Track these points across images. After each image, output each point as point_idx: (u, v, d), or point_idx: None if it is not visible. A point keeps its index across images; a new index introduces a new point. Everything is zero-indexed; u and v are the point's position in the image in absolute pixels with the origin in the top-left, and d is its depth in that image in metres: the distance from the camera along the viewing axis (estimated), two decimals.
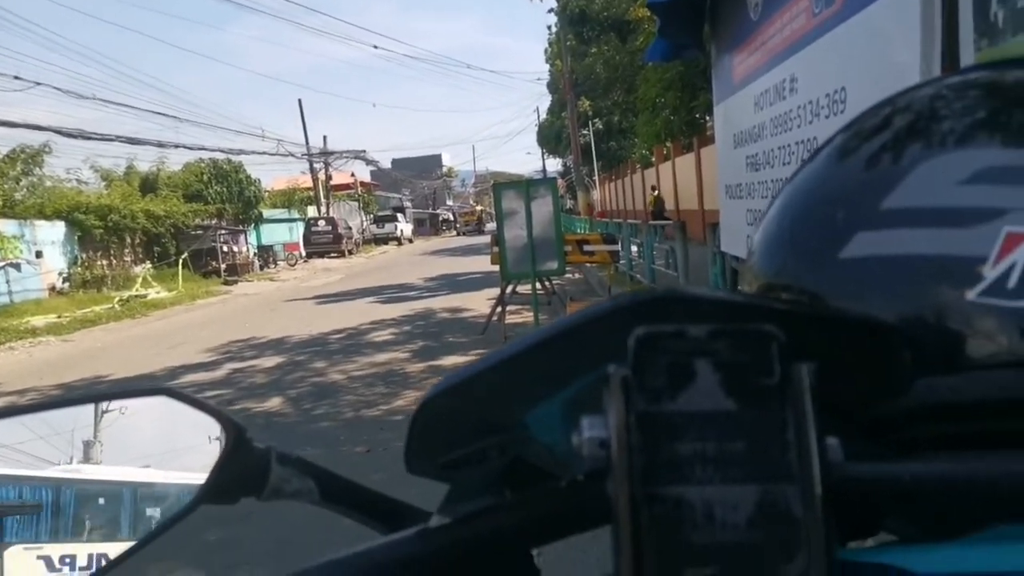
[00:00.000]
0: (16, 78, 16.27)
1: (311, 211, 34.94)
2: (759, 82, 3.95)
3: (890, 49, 2.54)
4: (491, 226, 51.74)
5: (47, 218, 17.68)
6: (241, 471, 0.47)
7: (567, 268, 9.02)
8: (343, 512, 0.50)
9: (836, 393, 0.31)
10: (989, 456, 0.33)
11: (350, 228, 34.55)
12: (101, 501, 0.53)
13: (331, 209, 36.65)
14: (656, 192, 22.27)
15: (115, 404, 0.55)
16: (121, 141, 20.14)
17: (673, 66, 9.25)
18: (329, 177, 37.91)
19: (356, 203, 43.20)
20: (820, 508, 0.28)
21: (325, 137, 37.68)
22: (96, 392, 0.73)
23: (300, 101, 35.29)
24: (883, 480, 0.32)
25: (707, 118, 12.42)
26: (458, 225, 58.04)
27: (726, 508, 0.29)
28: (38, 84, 17.08)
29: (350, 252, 32.39)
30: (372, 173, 53.94)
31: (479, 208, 66.77)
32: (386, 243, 40.55)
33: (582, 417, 0.31)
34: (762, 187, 3.99)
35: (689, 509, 0.29)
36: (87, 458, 0.53)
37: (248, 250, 24.79)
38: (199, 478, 0.48)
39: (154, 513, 0.52)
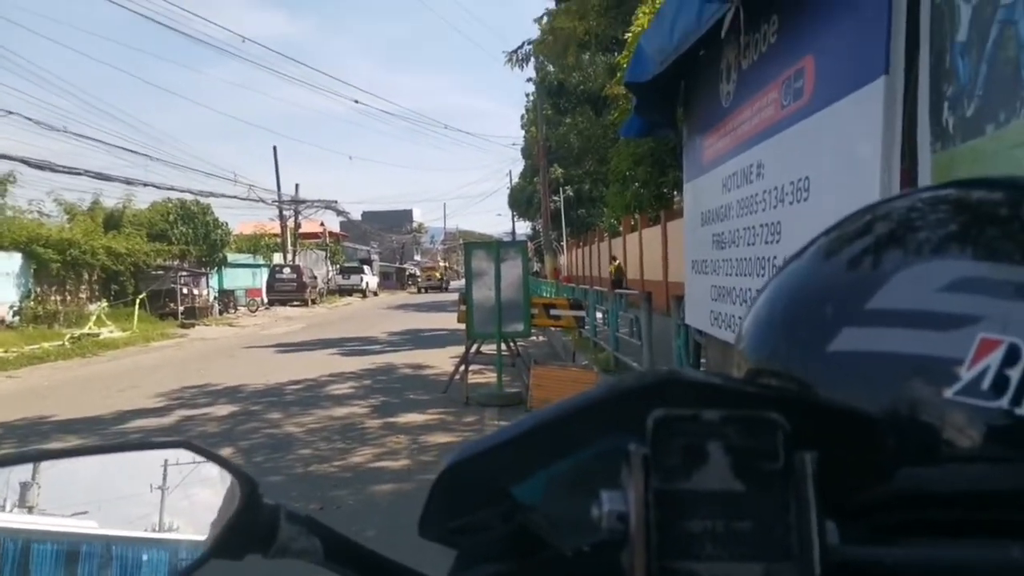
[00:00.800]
0: None
1: (277, 258, 34.63)
2: (727, 165, 4.09)
3: (853, 144, 2.67)
4: (456, 284, 51.22)
5: (3, 248, 17.23)
6: (251, 527, 0.48)
7: (532, 331, 9.04)
8: (346, 573, 0.50)
9: (828, 478, 0.33)
10: (966, 543, 0.35)
11: (315, 277, 34.27)
12: (91, 554, 0.52)
13: (298, 257, 36.40)
14: (616, 262, 22.79)
15: (136, 454, 0.56)
16: (89, 176, 19.90)
17: (645, 142, 9.57)
18: (298, 225, 37.79)
19: (323, 252, 42.98)
20: None
21: (297, 185, 37.74)
22: (120, 442, 0.75)
23: (275, 148, 35.43)
24: (874, 563, 0.34)
25: (675, 193, 12.79)
26: (419, 280, 53.97)
27: None
28: (9, 113, 16.90)
29: (313, 302, 32.04)
30: (342, 224, 53.91)
31: (443, 264, 64.28)
32: (351, 294, 40.20)
33: (601, 490, 0.33)
34: (727, 264, 4.10)
35: None
36: (102, 506, 0.53)
37: (209, 293, 24.34)
38: (209, 531, 0.48)
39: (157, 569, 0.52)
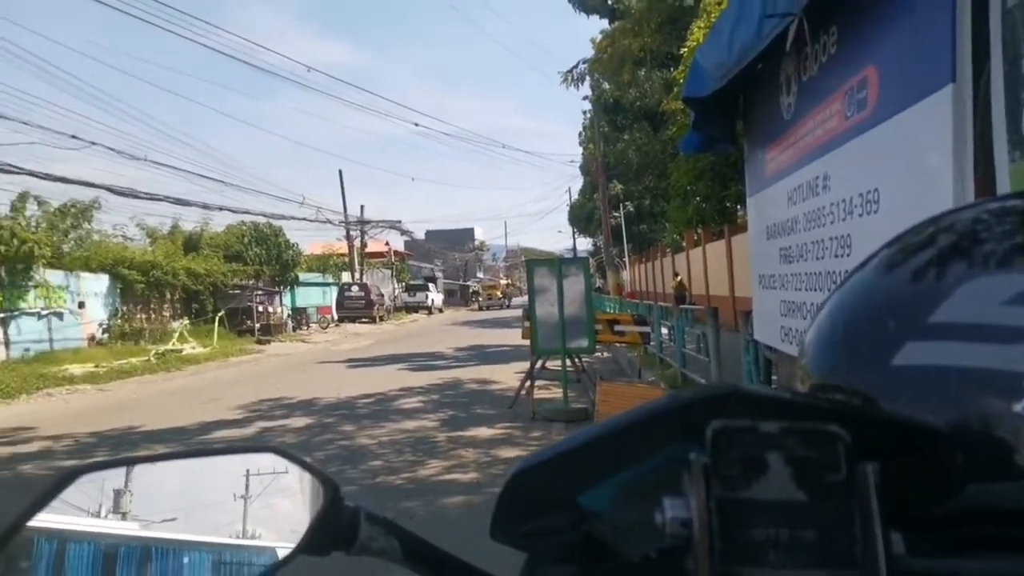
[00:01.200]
0: (73, 137, 17.11)
1: (345, 276, 35.56)
2: (792, 178, 4.04)
3: (923, 154, 2.62)
4: (518, 300, 50.49)
5: (92, 271, 18.27)
6: (334, 527, 0.51)
7: (597, 347, 9.06)
8: (422, 572, 0.53)
9: (893, 491, 0.33)
10: None
11: (382, 295, 35.01)
12: (185, 560, 0.55)
13: (365, 276, 37.27)
14: (678, 278, 22.65)
15: (226, 459, 0.59)
16: (168, 201, 20.92)
17: (705, 156, 9.48)
18: (364, 245, 38.72)
19: (389, 271, 43.88)
20: None
21: (363, 206, 38.77)
22: (211, 447, 0.84)
23: (340, 171, 36.46)
24: (944, 575, 0.34)
25: (738, 207, 12.59)
26: (480, 299, 52.28)
27: None
28: (93, 144, 17.93)
29: (381, 318, 32.70)
30: (406, 243, 54.94)
31: (504, 281, 63.21)
32: (416, 311, 40.91)
33: (664, 497, 0.34)
34: (795, 279, 4.05)
35: None
36: (191, 508, 0.57)
37: (282, 311, 25.22)
38: (297, 530, 0.52)
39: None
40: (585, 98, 26.18)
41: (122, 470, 0.55)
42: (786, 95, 4.11)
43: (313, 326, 27.80)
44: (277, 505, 0.56)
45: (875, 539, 0.31)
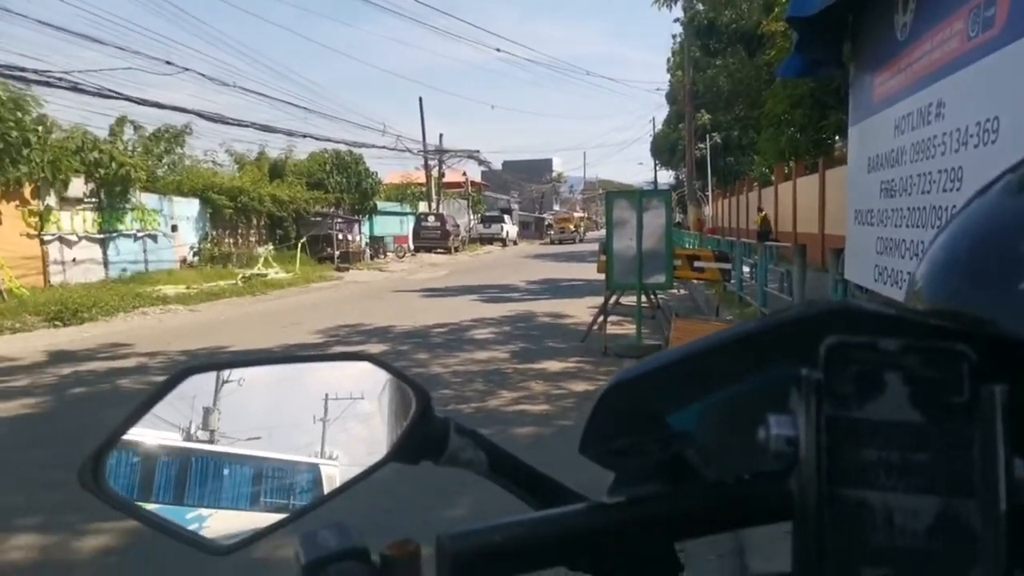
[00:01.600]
0: (167, 63, 17.63)
1: (422, 206, 35.98)
2: (901, 105, 3.74)
3: None
4: (593, 235, 49.46)
5: (184, 195, 19.09)
6: (424, 436, 0.51)
7: (674, 283, 8.85)
8: (506, 486, 0.53)
9: (1019, 421, 0.31)
10: None
11: (457, 226, 35.33)
12: (268, 473, 0.57)
13: (441, 206, 37.62)
14: (763, 213, 21.93)
15: (323, 365, 0.60)
16: (255, 128, 21.49)
17: (803, 83, 8.90)
18: (442, 175, 38.94)
19: (465, 202, 44.13)
20: (1003, 525, 0.28)
21: (441, 135, 38.91)
22: (305, 354, 0.82)
23: (420, 99, 36.50)
24: None
25: (836, 139, 11.87)
26: (551, 232, 49.37)
27: (906, 515, 0.30)
28: (186, 70, 18.44)
29: (456, 249, 33.12)
30: (483, 173, 54.92)
31: (578, 214, 59.75)
32: (491, 243, 41.19)
33: (769, 415, 0.33)
34: (896, 215, 3.78)
35: (870, 512, 0.30)
36: (283, 415, 0.58)
37: (361, 240, 25.81)
38: (389, 438, 0.52)
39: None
40: (677, 20, 24.93)
41: (222, 372, 0.56)
42: (901, 14, 3.75)
43: (390, 255, 28.42)
44: (369, 413, 0.57)
45: (997, 465, 0.29)
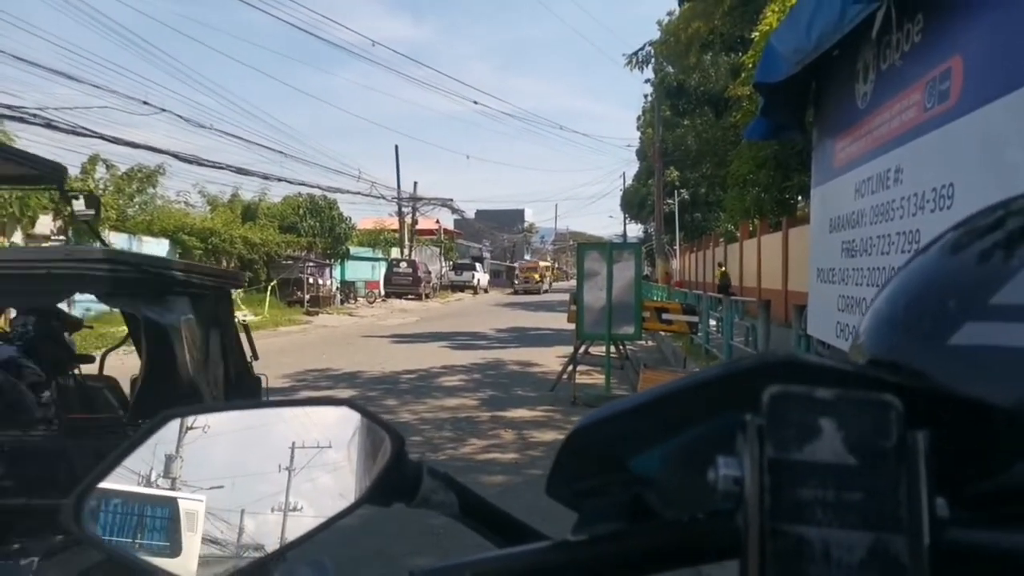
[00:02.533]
0: (144, 103, 17.58)
1: (395, 252, 35.96)
2: (861, 169, 3.90)
3: (1003, 149, 2.51)
4: (561, 284, 48.11)
5: (154, 235, 18.85)
6: (398, 479, 0.52)
7: (643, 335, 8.95)
8: (476, 528, 0.55)
9: (942, 461, 0.34)
10: None
11: (429, 272, 35.31)
12: (231, 520, 0.58)
13: (414, 252, 37.64)
14: (723, 268, 22.95)
15: (302, 410, 0.61)
16: (230, 170, 21.37)
17: (768, 145, 9.24)
18: (415, 221, 39.06)
19: (438, 249, 44.22)
20: (926, 559, 0.31)
21: (416, 183, 39.03)
22: (291, 399, 0.84)
23: (396, 147, 36.81)
24: (987, 544, 0.34)
25: (799, 199, 12.26)
26: (516, 281, 46.81)
27: (841, 549, 0.32)
28: (163, 111, 18.41)
29: (427, 296, 33.02)
30: (456, 221, 55.23)
31: (544, 264, 56.13)
32: (462, 290, 41.14)
33: (718, 456, 0.35)
34: (857, 274, 3.91)
35: (809, 546, 0.32)
36: (278, 455, 0.59)
37: (332, 284, 25.64)
38: (362, 481, 0.54)
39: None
40: (647, 81, 25.76)
41: (186, 419, 0.57)
42: (862, 83, 3.95)
43: (361, 300, 28.21)
44: (336, 460, 0.58)
45: (920, 503, 0.32)
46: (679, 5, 16.92)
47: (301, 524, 0.56)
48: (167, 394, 2.04)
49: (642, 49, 18.12)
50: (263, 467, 0.59)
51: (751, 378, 0.36)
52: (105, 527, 0.56)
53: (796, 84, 4.56)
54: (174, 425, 0.55)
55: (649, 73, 23.05)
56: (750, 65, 8.79)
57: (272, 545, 0.55)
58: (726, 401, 0.37)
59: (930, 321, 0.44)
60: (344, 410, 0.57)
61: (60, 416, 2.62)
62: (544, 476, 0.46)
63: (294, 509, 0.57)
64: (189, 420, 0.58)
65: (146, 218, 18.65)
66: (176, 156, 18.66)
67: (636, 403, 0.41)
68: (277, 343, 14.06)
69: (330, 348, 12.96)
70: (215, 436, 0.60)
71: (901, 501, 0.32)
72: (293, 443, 0.59)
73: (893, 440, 0.33)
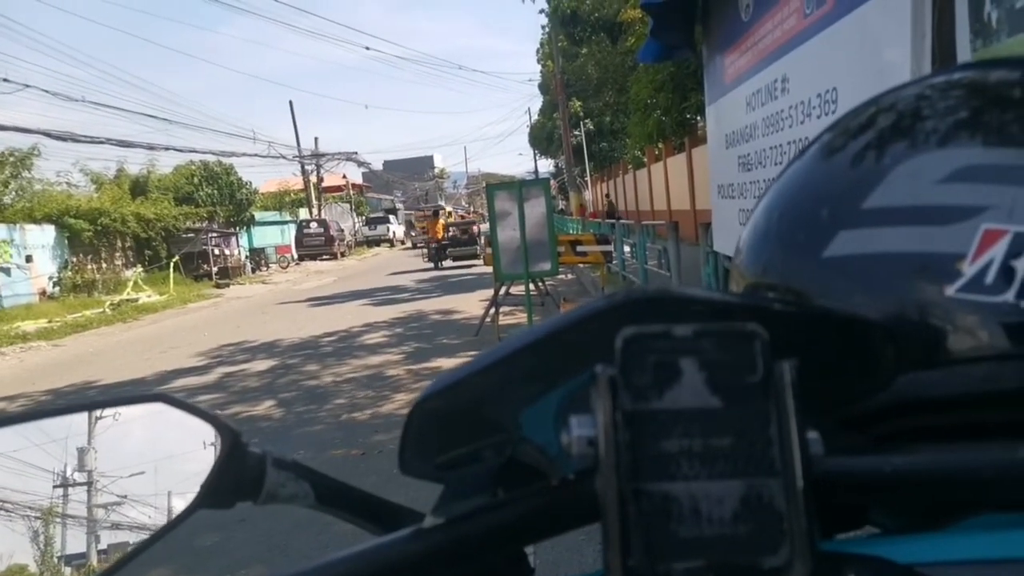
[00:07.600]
0: (5, 80, 16.15)
1: (303, 213, 34.86)
2: (750, 82, 3.95)
3: (881, 49, 2.55)
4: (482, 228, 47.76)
5: (36, 222, 17.57)
6: (237, 476, 0.47)
7: (560, 269, 9.00)
8: (338, 515, 0.51)
9: (820, 389, 0.31)
10: (970, 446, 0.33)
11: (342, 230, 34.46)
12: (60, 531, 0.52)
13: (323, 211, 36.59)
14: (608, 198, 25.63)
15: (110, 411, 0.54)
16: (111, 144, 20.03)
17: (664, 67, 9.28)
18: (321, 179, 37.83)
19: (348, 205, 43.14)
20: (802, 501, 0.28)
21: (316, 139, 37.58)
22: (92, 399, 0.72)
23: (291, 103, 35.29)
24: (865, 473, 0.32)
25: (698, 118, 12.46)
26: (413, 234, 37.47)
27: (712, 502, 0.29)
28: (27, 87, 16.96)
29: (342, 254, 32.31)
30: (364, 175, 53.84)
31: (447, 209, 38.47)
32: (378, 245, 40.43)
33: (571, 416, 0.32)
34: (754, 187, 4.00)
35: (676, 504, 0.29)
36: (82, 466, 0.52)
37: (240, 253, 24.68)
38: (194, 483, 0.47)
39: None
40: (541, 11, 25.32)
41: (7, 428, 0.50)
42: None
43: (273, 266, 27.36)
44: (172, 456, 0.52)
45: (791, 442, 0.29)
46: None
47: (125, 540, 0.50)
48: None
49: None
50: (69, 481, 0.52)
51: (609, 321, 0.31)
52: None
53: (683, 2, 4.53)
54: None
55: (543, 2, 22.69)
56: None
57: (100, 567, 0.49)
58: (588, 349, 0.32)
59: (803, 234, 0.42)
60: (159, 406, 0.52)
61: None
62: None
63: (113, 526, 0.51)
64: None
65: (26, 204, 17.31)
66: (47, 135, 17.32)
67: (491, 360, 0.35)
68: (188, 320, 13.48)
69: (245, 319, 12.53)
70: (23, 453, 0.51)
71: (771, 441, 0.29)
72: (114, 447, 0.54)
73: (759, 374, 0.30)
